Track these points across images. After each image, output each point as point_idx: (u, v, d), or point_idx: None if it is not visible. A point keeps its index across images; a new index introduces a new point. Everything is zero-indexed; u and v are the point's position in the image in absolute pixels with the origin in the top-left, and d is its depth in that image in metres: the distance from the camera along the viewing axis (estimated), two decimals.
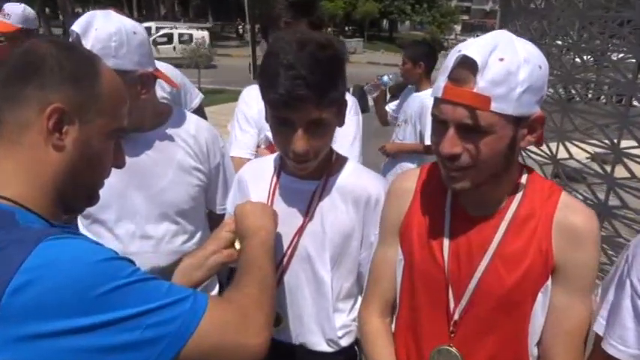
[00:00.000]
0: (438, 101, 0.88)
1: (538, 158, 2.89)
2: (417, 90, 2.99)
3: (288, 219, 1.16)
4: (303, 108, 0.99)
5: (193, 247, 1.51)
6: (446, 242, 0.98)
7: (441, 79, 0.87)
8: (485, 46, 0.82)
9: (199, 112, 2.47)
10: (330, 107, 1.03)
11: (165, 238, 1.44)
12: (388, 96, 3.23)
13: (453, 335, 0.99)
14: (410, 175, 1.10)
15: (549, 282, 0.92)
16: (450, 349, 0.99)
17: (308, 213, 1.15)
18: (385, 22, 44.87)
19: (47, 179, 0.76)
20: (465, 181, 0.90)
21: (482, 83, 0.81)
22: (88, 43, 1.21)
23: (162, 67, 2.38)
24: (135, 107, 1.31)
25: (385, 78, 3.01)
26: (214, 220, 1.61)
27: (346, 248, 1.16)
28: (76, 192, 0.81)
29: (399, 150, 3.06)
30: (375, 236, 1.17)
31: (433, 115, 0.90)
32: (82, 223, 1.42)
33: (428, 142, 2.87)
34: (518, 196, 0.96)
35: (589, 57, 3.35)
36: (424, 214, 1.03)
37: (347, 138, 1.82)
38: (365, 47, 32.39)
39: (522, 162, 1.05)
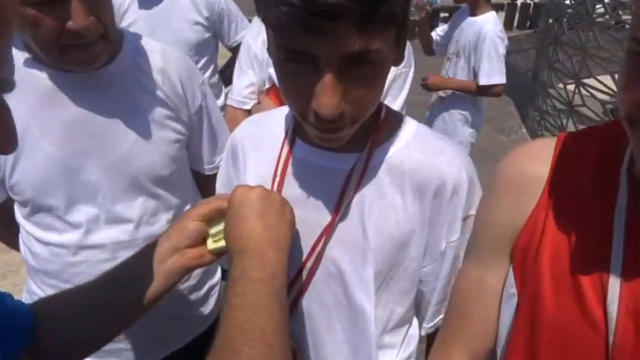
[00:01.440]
0: None
1: None
2: (473, 14, 2.40)
3: (308, 214, 0.73)
4: (335, 32, 0.52)
5: None
6: (614, 284, 0.52)
7: None
8: None
9: None
10: (386, 31, 0.56)
11: (143, 219, 1.04)
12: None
13: None
14: (538, 149, 0.64)
15: None
16: None
17: (340, 206, 0.71)
18: None
19: None
20: None
21: None
22: None
23: None
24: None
25: None
26: (204, 186, 1.23)
27: (400, 260, 0.73)
28: None
29: (444, 85, 2.50)
30: (448, 245, 0.73)
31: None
32: (20, 214, 1.02)
33: (483, 81, 2.34)
34: None
35: None
36: (568, 224, 0.57)
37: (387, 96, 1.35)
38: None
39: None
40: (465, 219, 0.72)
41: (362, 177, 0.71)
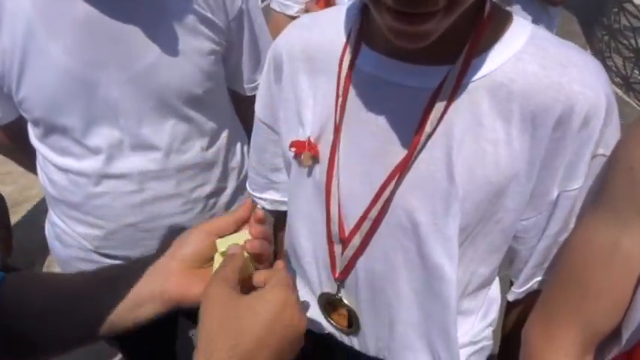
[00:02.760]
0: None
1: None
2: None
3: (375, 148, 0.56)
4: None
5: (218, 155, 0.98)
6: None
7: None
8: None
9: None
10: None
11: (173, 146, 0.89)
12: None
13: None
14: None
15: None
16: None
17: (418, 138, 0.53)
18: None
19: None
20: None
21: None
22: None
23: None
24: None
25: None
26: (243, 110, 1.05)
27: (493, 212, 0.56)
28: None
29: None
30: (563, 194, 0.55)
31: None
32: (33, 135, 0.89)
33: None
34: None
35: None
36: None
37: None
38: None
39: None
40: (592, 158, 0.53)
41: (452, 99, 0.52)
